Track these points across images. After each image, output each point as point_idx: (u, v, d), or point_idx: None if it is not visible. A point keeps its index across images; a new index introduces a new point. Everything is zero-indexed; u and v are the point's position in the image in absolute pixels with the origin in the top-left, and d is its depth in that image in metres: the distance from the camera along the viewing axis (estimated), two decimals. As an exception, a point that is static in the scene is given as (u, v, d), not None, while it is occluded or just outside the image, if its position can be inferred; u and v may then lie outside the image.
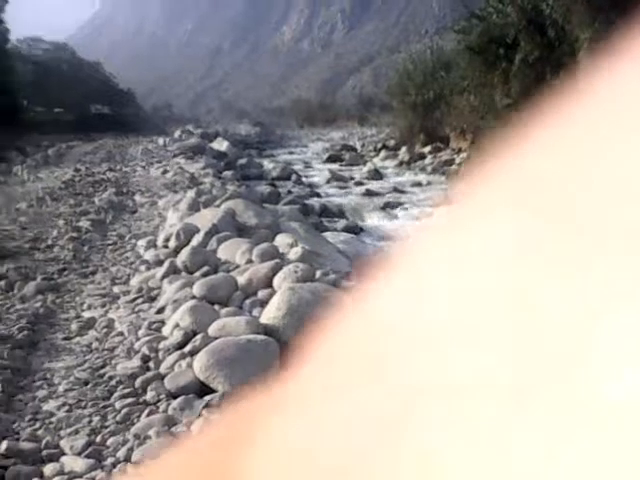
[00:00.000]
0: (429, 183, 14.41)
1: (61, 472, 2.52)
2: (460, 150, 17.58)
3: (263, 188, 11.87)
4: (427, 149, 19.27)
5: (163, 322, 4.05)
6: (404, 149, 19.88)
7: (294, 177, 14.64)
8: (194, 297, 4.23)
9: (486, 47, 15.30)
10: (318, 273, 4.54)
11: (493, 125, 14.22)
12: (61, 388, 3.26)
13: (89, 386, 3.28)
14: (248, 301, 4.23)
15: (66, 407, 3.05)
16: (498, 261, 0.12)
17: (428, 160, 17.92)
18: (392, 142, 22.43)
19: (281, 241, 5.58)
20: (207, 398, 3.05)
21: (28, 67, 40.50)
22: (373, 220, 10.20)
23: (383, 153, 20.81)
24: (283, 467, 0.14)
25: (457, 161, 16.65)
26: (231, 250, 5.30)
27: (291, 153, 25.45)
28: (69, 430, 2.82)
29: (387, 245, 7.94)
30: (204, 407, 2.99)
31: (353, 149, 23.56)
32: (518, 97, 13.49)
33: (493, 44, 15.22)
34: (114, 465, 2.56)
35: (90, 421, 2.92)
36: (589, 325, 0.10)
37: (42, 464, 2.58)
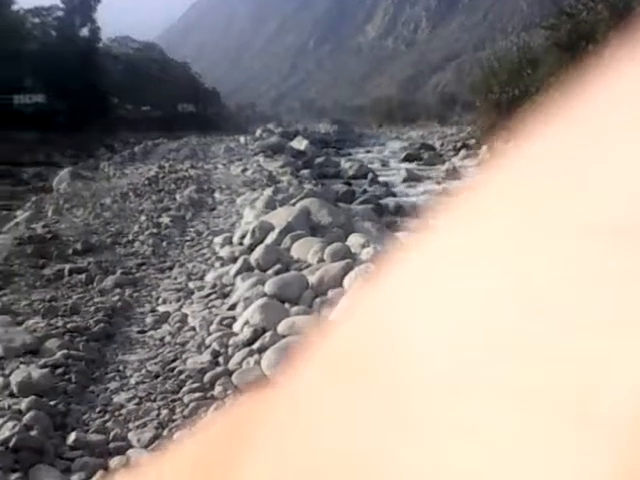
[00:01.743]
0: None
1: (126, 465, 2.58)
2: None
3: (339, 187, 11.88)
4: (509, 147, 18.81)
5: (234, 318, 4.11)
6: (485, 148, 19.49)
7: (370, 176, 14.59)
8: (265, 295, 4.27)
9: (575, 44, 14.84)
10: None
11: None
12: (132, 380, 3.34)
13: (159, 379, 3.35)
14: (318, 300, 4.24)
15: (136, 400, 3.12)
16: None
17: (510, 160, 17.50)
18: (473, 141, 22.04)
19: (353, 241, 5.56)
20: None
21: (118, 66, 42.03)
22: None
23: (463, 152, 20.46)
24: (282, 468, 0.14)
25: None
26: (304, 249, 5.32)
27: (368, 152, 25.38)
28: (137, 423, 2.89)
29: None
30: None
31: (432, 148, 23.28)
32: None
33: (582, 41, 14.74)
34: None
35: (158, 414, 2.98)
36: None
37: (109, 457, 2.65)
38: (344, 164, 16.96)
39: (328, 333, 0.15)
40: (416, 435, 0.11)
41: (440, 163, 18.22)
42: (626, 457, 0.09)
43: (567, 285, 0.11)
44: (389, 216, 9.52)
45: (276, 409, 0.15)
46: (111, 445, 2.73)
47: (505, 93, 20.25)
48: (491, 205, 0.13)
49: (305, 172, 13.46)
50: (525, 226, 0.12)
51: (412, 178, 14.79)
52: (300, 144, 21.30)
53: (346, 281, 4.37)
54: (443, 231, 0.14)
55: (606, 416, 0.10)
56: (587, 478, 0.10)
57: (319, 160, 17.07)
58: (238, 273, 5.05)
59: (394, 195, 12.46)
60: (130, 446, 2.72)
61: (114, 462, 2.60)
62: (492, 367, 0.11)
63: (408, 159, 20.02)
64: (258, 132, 27.71)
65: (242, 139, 25.40)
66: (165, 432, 2.81)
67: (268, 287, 4.39)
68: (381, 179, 14.60)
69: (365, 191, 12.03)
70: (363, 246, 5.37)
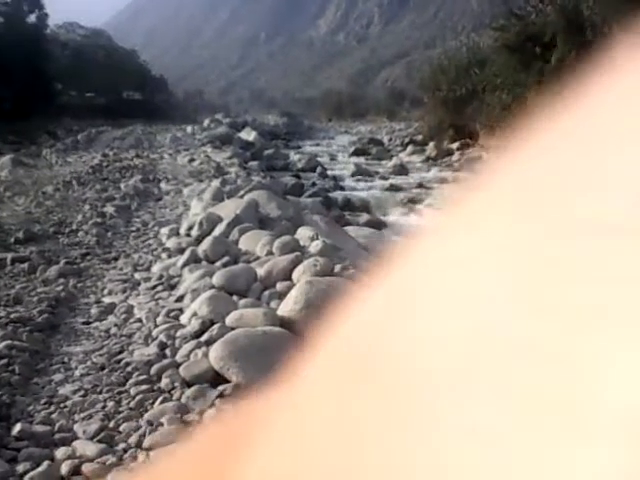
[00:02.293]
0: (455, 180, 14.31)
1: (72, 456, 2.56)
2: (489, 147, 17.44)
3: (287, 180, 11.89)
4: (455, 145, 19.13)
5: (182, 310, 4.09)
6: (432, 145, 19.76)
7: (319, 169, 14.64)
8: (213, 287, 4.26)
9: (523, 45, 15.14)
10: (338, 267, 4.54)
11: (525, 124, 14.01)
12: (78, 372, 3.30)
13: (105, 371, 3.32)
14: (267, 293, 4.25)
15: (82, 391, 3.09)
16: (496, 264, 0.12)
17: (455, 157, 17.80)
18: (420, 137, 22.31)
19: (302, 234, 5.59)
20: (221, 388, 3.08)
21: (65, 52, 40.96)
22: (396, 215, 10.17)
23: (410, 148, 20.70)
24: (281, 471, 0.14)
25: (484, 158, 16.52)
26: (252, 241, 5.32)
27: (318, 145, 25.43)
28: (83, 414, 2.87)
29: (400, 241, 7.91)
30: (217, 397, 3.02)
31: (380, 143, 23.46)
32: (553, 97, 13.29)
33: (530, 43, 15.05)
34: (125, 450, 2.60)
35: (104, 406, 2.95)
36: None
37: (55, 447, 2.62)
38: (293, 157, 16.96)
39: (326, 333, 0.15)
40: (415, 436, 0.11)
41: (388, 158, 18.39)
42: (626, 458, 0.09)
43: (567, 285, 0.11)
44: (337, 210, 9.58)
45: (274, 411, 0.15)
46: (57, 436, 2.70)
47: (453, 91, 20.55)
48: (485, 204, 0.13)
49: (253, 164, 13.42)
50: (515, 226, 0.12)
51: (360, 172, 14.90)
52: (249, 135, 21.20)
53: (295, 274, 4.39)
54: (439, 231, 0.14)
55: (606, 417, 0.10)
56: (587, 478, 0.10)
57: (268, 152, 17.02)
58: (185, 264, 5.02)
59: (342, 189, 12.54)
60: (76, 437, 2.69)
61: (60, 452, 2.58)
62: (492, 367, 0.11)
63: (357, 153, 20.14)
64: (206, 122, 27.43)
65: (189, 129, 25.10)
66: (111, 424, 2.80)
67: (216, 279, 4.38)
68: (330, 173, 14.66)
69: (314, 184, 12.07)
70: (312, 239, 5.40)
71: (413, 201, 11.22)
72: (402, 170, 15.47)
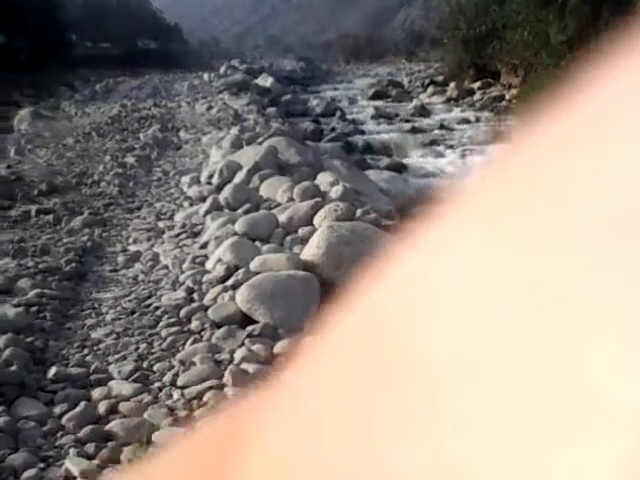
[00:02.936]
0: (477, 120, 14.12)
1: (109, 396, 2.65)
2: (510, 86, 17.12)
3: (306, 125, 11.81)
4: (476, 85, 18.80)
5: (206, 257, 4.15)
6: (452, 85, 19.43)
7: (338, 114, 14.49)
8: (236, 234, 4.31)
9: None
10: (358, 212, 4.56)
11: (546, 62, 13.76)
12: (109, 317, 3.39)
13: (135, 315, 3.40)
14: (289, 238, 4.29)
15: (114, 335, 3.18)
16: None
17: (477, 96, 17.51)
18: (440, 78, 21.93)
19: (322, 179, 5.59)
20: (249, 328, 3.16)
21: (78, 2, 40.51)
22: (417, 158, 10.10)
23: (431, 89, 20.37)
24: (284, 467, 0.14)
25: (507, 97, 16.24)
26: (273, 188, 5.35)
27: (336, 89, 25.09)
28: (117, 356, 2.96)
29: (433, 186, 7.87)
30: (246, 337, 3.10)
31: (400, 85, 23.10)
32: (574, 34, 12.99)
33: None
34: (160, 389, 2.68)
35: (137, 348, 3.04)
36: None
37: (91, 388, 2.72)
38: (311, 102, 16.79)
39: (328, 327, 0.15)
40: (416, 431, 0.11)
41: (408, 100, 18.13)
42: (626, 456, 0.09)
43: (572, 281, 0.11)
44: (358, 154, 9.53)
45: (277, 406, 0.15)
46: (92, 377, 2.79)
47: (472, 30, 20.08)
48: (498, 189, 0.13)
49: (272, 110, 13.31)
50: (530, 216, 0.12)
51: (380, 115, 14.74)
52: (266, 81, 20.96)
53: (316, 219, 4.43)
54: (447, 219, 0.14)
55: (607, 415, 0.10)
56: (586, 477, 0.10)
57: (286, 98, 16.86)
58: (208, 212, 5.07)
59: (362, 133, 12.43)
60: (111, 378, 2.79)
61: (96, 393, 2.67)
62: (493, 363, 0.11)
63: (376, 96, 19.86)
64: (222, 69, 27.12)
65: (206, 76, 24.86)
66: (145, 364, 2.88)
67: (238, 226, 4.42)
68: (349, 117, 14.53)
69: (333, 129, 11.98)
70: (332, 184, 5.41)
71: (435, 143, 11.12)
72: (423, 112, 15.27)
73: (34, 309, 3.37)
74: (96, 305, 3.56)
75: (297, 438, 0.13)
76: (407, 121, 13.96)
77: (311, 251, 3.86)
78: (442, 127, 12.97)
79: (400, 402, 0.12)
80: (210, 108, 13.16)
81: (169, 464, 0.19)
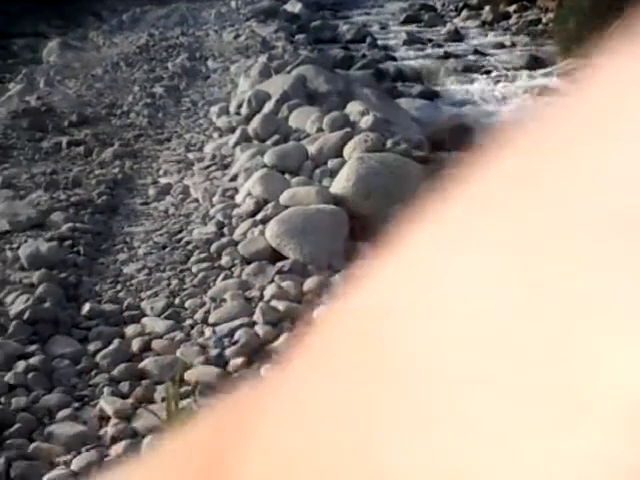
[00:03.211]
0: (513, 44, 13.64)
1: (142, 333, 2.69)
2: (547, 10, 16.46)
3: (336, 52, 11.53)
4: (512, 8, 18.08)
5: (236, 190, 4.14)
6: (487, 8, 18.73)
7: (369, 40, 14.09)
8: (265, 166, 4.27)
9: None
10: (389, 142, 4.47)
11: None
12: (140, 252, 3.42)
13: (167, 250, 3.43)
14: (318, 170, 4.24)
15: (146, 270, 3.21)
16: None
17: (513, 20, 16.87)
18: (475, 1, 21.16)
19: (352, 109, 5.48)
20: (279, 264, 3.15)
21: None
22: (451, 84, 9.84)
23: (465, 13, 19.66)
24: (280, 463, 0.13)
25: (544, 21, 15.63)
26: (302, 118, 5.26)
27: (367, 14, 24.36)
28: (149, 292, 2.99)
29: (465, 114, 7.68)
30: (276, 273, 3.10)
31: (433, 9, 22.33)
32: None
33: None
34: (192, 326, 2.71)
35: (169, 284, 3.07)
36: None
37: (124, 325, 2.76)
38: (341, 27, 16.34)
39: (327, 322, 0.14)
40: (416, 430, 0.11)
41: (441, 24, 17.53)
42: (626, 456, 0.09)
43: (574, 280, 0.10)
44: (389, 81, 9.31)
45: (275, 401, 0.15)
46: (125, 314, 2.83)
47: (509, -53, 19.20)
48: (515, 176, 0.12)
49: (300, 37, 13.01)
50: (539, 211, 0.11)
51: (412, 41, 14.32)
52: (294, 7, 20.39)
53: (345, 151, 4.35)
54: (449, 217, 0.13)
55: (607, 415, 0.10)
56: (586, 476, 0.10)
57: (315, 24, 16.42)
58: (237, 144, 5.02)
59: (394, 59, 12.10)
60: (144, 315, 2.82)
61: (129, 330, 2.71)
62: (493, 363, 0.11)
63: (408, 21, 19.24)
64: (250, -5, 26.48)
65: (233, 3, 24.27)
66: (177, 301, 2.91)
67: (268, 158, 4.38)
68: (380, 43, 14.14)
69: (364, 56, 11.68)
70: (362, 114, 5.29)
71: (468, 69, 10.80)
72: (456, 36, 14.78)
73: (67, 243, 3.40)
74: (128, 239, 3.59)
75: (296, 434, 0.13)
76: (440, 46, 13.55)
77: (341, 184, 3.81)
78: (476, 52, 12.57)
79: (401, 399, 0.11)
80: (238, 36, 12.90)
81: (165, 460, 0.18)
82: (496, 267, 0.11)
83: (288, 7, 20.43)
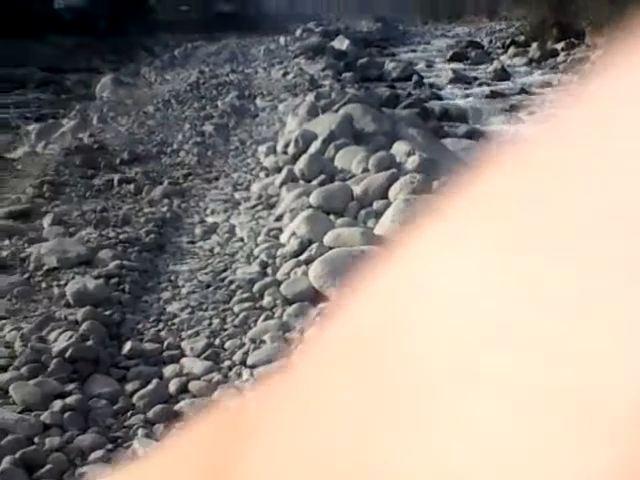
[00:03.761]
0: (561, 83, 13.56)
1: (180, 373, 2.69)
2: (596, 47, 16.34)
3: (382, 90, 11.62)
4: (560, 45, 18.02)
5: (281, 229, 4.16)
6: (535, 46, 18.70)
7: (415, 78, 14.19)
8: (311, 206, 4.29)
9: None
10: (435, 184, 4.46)
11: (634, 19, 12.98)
12: (184, 290, 3.45)
13: (210, 289, 3.45)
14: (363, 212, 4.25)
15: (188, 309, 3.23)
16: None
17: (561, 58, 16.80)
18: (522, 38, 21.14)
19: (398, 149, 5.49)
20: (321, 306, 3.14)
21: (156, -34, 40.92)
22: (498, 124, 9.80)
23: (512, 50, 19.66)
24: (284, 462, 0.13)
25: (592, 59, 15.51)
26: (348, 158, 5.29)
27: (413, 51, 24.57)
28: (190, 332, 3.00)
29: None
30: (318, 315, 3.09)
31: (479, 46, 22.40)
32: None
33: None
34: (230, 368, 2.71)
35: (210, 324, 3.09)
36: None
37: (163, 365, 2.76)
38: (387, 65, 16.48)
39: (332, 326, 0.14)
40: (416, 432, 0.11)
41: (488, 62, 17.57)
42: (626, 457, 0.09)
43: (576, 280, 0.10)
44: (435, 121, 9.32)
45: (281, 401, 0.15)
46: (165, 354, 2.84)
47: (558, -14, 19.20)
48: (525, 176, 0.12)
49: (347, 75, 13.17)
50: (542, 212, 0.11)
51: (458, 79, 14.36)
52: (342, 44, 20.71)
53: (391, 192, 4.36)
54: (453, 217, 0.13)
55: (607, 415, 0.10)
56: (586, 478, 0.10)
57: (362, 61, 16.62)
58: (283, 184, 5.08)
59: (440, 98, 12.14)
60: (183, 355, 2.83)
61: (168, 370, 2.72)
62: (493, 363, 0.11)
63: (454, 58, 19.34)
64: (298, 32, 26.95)
65: (282, 40, 24.79)
66: (217, 341, 2.92)
67: (313, 198, 4.41)
68: (426, 81, 14.21)
69: (409, 94, 11.75)
70: (408, 154, 5.30)
71: (515, 108, 10.75)
72: (503, 75, 14.77)
73: (113, 281, 3.45)
74: (173, 277, 3.63)
75: (296, 436, 0.13)
76: (486, 85, 13.55)
77: (386, 225, 3.81)
78: (523, 91, 12.53)
79: (400, 400, 0.12)
80: (286, 74, 13.12)
81: (168, 461, 0.18)
82: (496, 267, 0.11)
83: (336, 44, 20.75)
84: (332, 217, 4.14)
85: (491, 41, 24.19)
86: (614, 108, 0.11)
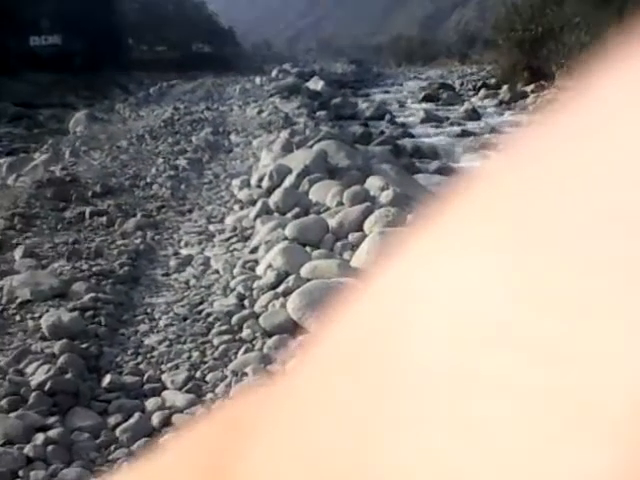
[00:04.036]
0: (529, 123, 13.86)
1: (162, 407, 2.64)
2: (565, 90, 16.78)
3: (355, 128, 11.78)
4: (530, 88, 18.49)
5: (257, 262, 4.15)
6: (505, 88, 19.16)
7: (387, 117, 14.43)
8: (286, 238, 4.30)
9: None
10: (409, 217, 4.50)
11: (604, 65, 13.37)
12: (162, 323, 3.41)
13: (188, 322, 3.41)
14: (339, 244, 4.26)
15: (167, 342, 3.18)
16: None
17: (530, 99, 17.20)
18: (493, 81, 21.66)
19: (372, 184, 5.54)
20: (301, 338, 3.12)
21: (135, 6, 41.37)
22: (468, 162, 9.96)
23: (482, 92, 20.12)
24: (282, 465, 0.13)
25: (561, 100, 15.92)
26: (322, 192, 5.33)
27: (386, 92, 25.01)
28: (170, 365, 2.95)
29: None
30: (298, 346, 3.07)
31: (451, 88, 22.88)
32: (633, 37, 12.59)
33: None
34: (213, 401, 2.67)
35: (190, 356, 3.04)
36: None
37: (144, 398, 2.71)
38: (361, 105, 16.75)
39: (329, 328, 0.14)
40: (414, 432, 0.11)
41: (459, 103, 17.93)
42: (626, 457, 0.09)
43: (575, 281, 0.10)
44: (407, 157, 9.45)
45: (277, 405, 0.15)
46: (146, 387, 2.79)
47: (528, 31, 19.77)
48: (509, 182, 0.12)
49: (322, 113, 13.33)
50: (539, 211, 0.11)
51: (430, 119, 14.61)
52: (316, 85, 21.01)
53: (366, 225, 4.38)
54: (448, 216, 0.13)
55: (607, 415, 0.10)
56: (586, 477, 0.10)
57: (336, 101, 16.85)
58: (258, 216, 5.08)
59: (412, 136, 12.33)
60: (165, 388, 2.78)
61: (150, 403, 2.66)
62: (492, 363, 0.11)
63: (427, 99, 19.71)
64: (274, 73, 27.32)
65: (258, 80, 25.09)
66: (198, 374, 2.88)
67: (289, 230, 4.41)
68: (399, 120, 14.44)
69: (382, 132, 11.92)
70: (382, 189, 5.35)
71: (485, 146, 10.96)
72: (474, 115, 15.08)
73: (89, 314, 3.40)
74: (149, 310, 3.58)
75: (294, 438, 0.13)
76: (458, 124, 13.80)
77: (362, 258, 3.82)
78: (493, 131, 12.78)
79: (398, 402, 0.12)
80: (261, 111, 13.23)
81: (168, 461, 0.18)
82: (496, 267, 0.11)
83: (311, 85, 21.04)
84: (308, 249, 4.14)
85: (462, 83, 24.75)
86: (576, 136, 0.12)
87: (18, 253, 4.39)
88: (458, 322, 0.11)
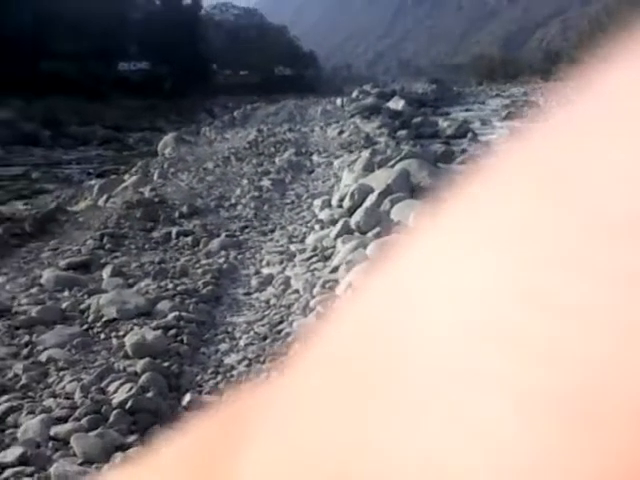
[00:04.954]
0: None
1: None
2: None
3: (437, 147, 11.65)
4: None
5: (337, 281, 4.11)
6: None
7: (469, 135, 14.22)
8: (367, 258, 4.24)
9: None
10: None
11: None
12: (242, 342, 3.41)
13: (267, 341, 3.40)
14: (422, 264, 4.18)
15: (246, 361, 3.18)
16: None
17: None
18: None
19: (457, 203, 5.44)
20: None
21: (219, 32, 42.69)
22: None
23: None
24: (277, 465, 0.13)
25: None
26: (405, 211, 5.25)
27: (467, 110, 24.72)
28: (248, 385, 2.95)
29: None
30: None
31: (536, 105, 22.38)
32: None
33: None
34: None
35: (268, 377, 3.03)
36: None
37: (223, 419, 2.71)
38: (442, 123, 16.59)
39: (329, 327, 0.14)
40: (412, 430, 0.11)
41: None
42: (625, 457, 0.09)
43: (574, 281, 0.10)
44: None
45: (273, 404, 0.15)
46: (225, 407, 2.79)
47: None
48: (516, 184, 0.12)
49: (402, 133, 13.29)
50: (540, 213, 0.11)
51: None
52: (397, 104, 20.99)
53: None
54: (449, 217, 0.13)
55: (607, 415, 0.10)
56: (586, 478, 0.10)
57: (416, 120, 16.77)
58: (338, 236, 5.05)
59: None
60: (242, 407, 2.77)
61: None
62: (491, 362, 0.11)
63: (510, 117, 19.34)
64: (354, 93, 27.49)
65: (338, 101, 25.31)
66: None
67: (370, 250, 4.36)
68: (481, 138, 14.21)
69: (464, 150, 11.74)
70: (466, 208, 5.24)
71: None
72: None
73: (172, 332, 3.44)
74: (230, 329, 3.60)
75: (291, 436, 0.14)
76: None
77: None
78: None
79: (398, 402, 0.12)
80: (342, 132, 13.30)
81: (165, 459, 0.18)
82: (497, 267, 0.11)
83: (391, 104, 21.03)
84: (390, 270, 4.08)
85: (547, 100, 24.18)
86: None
87: (106, 272, 4.52)
88: (458, 322, 0.11)
